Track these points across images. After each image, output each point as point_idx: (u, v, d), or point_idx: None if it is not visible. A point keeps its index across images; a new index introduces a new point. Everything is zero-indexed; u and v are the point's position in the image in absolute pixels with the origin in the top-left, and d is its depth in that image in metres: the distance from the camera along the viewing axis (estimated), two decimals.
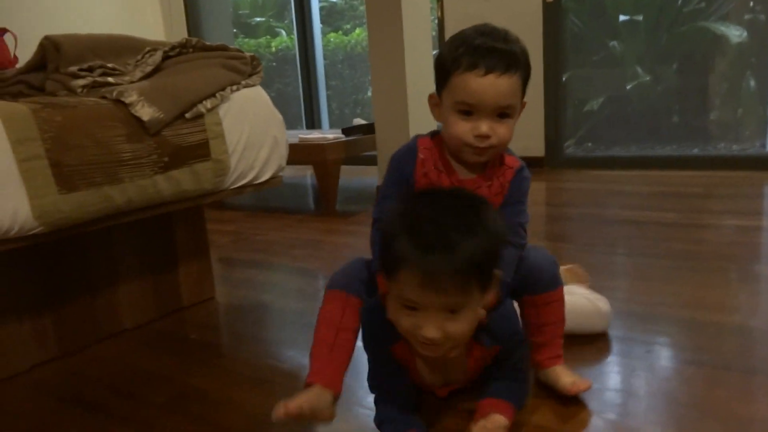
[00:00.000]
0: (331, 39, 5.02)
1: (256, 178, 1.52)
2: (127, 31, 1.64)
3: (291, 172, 4.03)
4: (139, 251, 1.48)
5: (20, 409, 1.12)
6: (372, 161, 3.11)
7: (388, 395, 0.93)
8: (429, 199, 0.82)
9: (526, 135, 3.50)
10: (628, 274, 1.64)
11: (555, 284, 1.00)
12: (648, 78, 3.78)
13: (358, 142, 2.94)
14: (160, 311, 1.53)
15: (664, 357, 1.15)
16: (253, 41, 5.38)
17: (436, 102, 0.98)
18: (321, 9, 4.81)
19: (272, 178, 1.58)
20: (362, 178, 3.67)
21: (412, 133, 2.74)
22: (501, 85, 0.88)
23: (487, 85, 0.88)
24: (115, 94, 1.23)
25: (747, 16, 3.64)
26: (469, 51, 0.89)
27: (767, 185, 2.68)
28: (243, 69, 1.50)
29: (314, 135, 3.00)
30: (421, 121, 2.84)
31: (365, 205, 2.90)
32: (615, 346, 1.20)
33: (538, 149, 3.59)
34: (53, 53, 1.33)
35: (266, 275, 1.89)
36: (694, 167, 3.20)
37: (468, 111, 0.90)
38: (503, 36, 0.91)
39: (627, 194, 2.72)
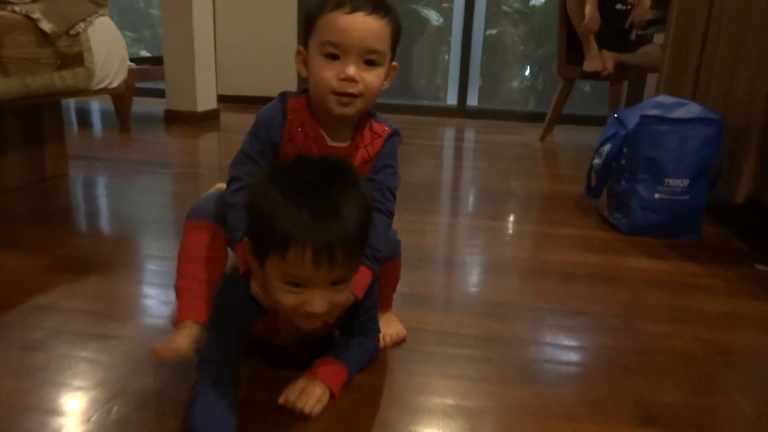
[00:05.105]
0: None
1: (110, 83, 2.11)
2: None
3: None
4: (22, 127, 1.97)
5: None
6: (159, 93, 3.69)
7: (218, 374, 0.82)
8: (300, 169, 0.78)
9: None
10: None
11: (394, 258, 1.06)
12: None
13: (146, 72, 3.47)
14: (34, 178, 2.04)
15: None
16: None
17: (302, 55, 0.92)
18: None
19: (118, 86, 2.18)
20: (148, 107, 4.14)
21: (198, 65, 3.44)
22: (369, 25, 0.84)
23: (354, 23, 0.84)
24: (23, 10, 1.74)
25: (444, 5, 5.03)
26: None
27: (443, 125, 4.06)
28: (100, 2, 2.06)
29: None
30: (205, 57, 3.51)
31: (154, 126, 3.47)
32: None
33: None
34: None
35: (101, 163, 2.46)
36: (403, 112, 4.48)
37: (334, 55, 0.85)
38: None
39: None
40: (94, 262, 1.41)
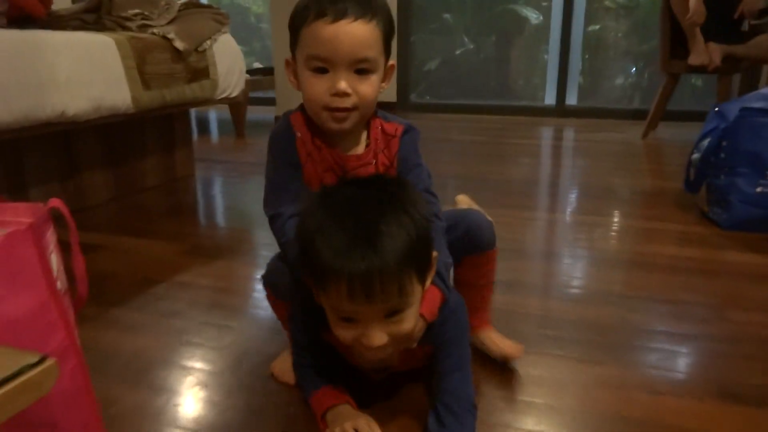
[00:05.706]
0: None
1: (230, 93, 2.36)
2: None
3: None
4: (158, 134, 2.27)
5: None
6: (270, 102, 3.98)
7: (314, 364, 0.87)
8: (336, 194, 0.72)
9: None
10: (447, 161, 2.77)
11: (493, 245, 0.97)
12: (472, 46, 4.99)
13: (259, 82, 3.78)
14: (167, 178, 2.33)
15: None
16: None
17: (292, 66, 0.86)
18: None
19: (237, 95, 2.43)
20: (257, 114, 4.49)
21: None
22: (355, 33, 0.77)
23: (339, 33, 0.77)
24: (161, 32, 2.01)
25: (543, 3, 4.99)
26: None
27: (540, 125, 4.04)
28: (223, 21, 2.31)
29: None
30: None
31: (266, 131, 3.76)
32: None
33: (390, 96, 4.68)
34: (107, 2, 2.05)
35: (221, 165, 2.74)
36: (500, 113, 4.50)
37: (322, 68, 0.80)
38: None
39: (455, 128, 3.90)
40: (219, 248, 1.62)
